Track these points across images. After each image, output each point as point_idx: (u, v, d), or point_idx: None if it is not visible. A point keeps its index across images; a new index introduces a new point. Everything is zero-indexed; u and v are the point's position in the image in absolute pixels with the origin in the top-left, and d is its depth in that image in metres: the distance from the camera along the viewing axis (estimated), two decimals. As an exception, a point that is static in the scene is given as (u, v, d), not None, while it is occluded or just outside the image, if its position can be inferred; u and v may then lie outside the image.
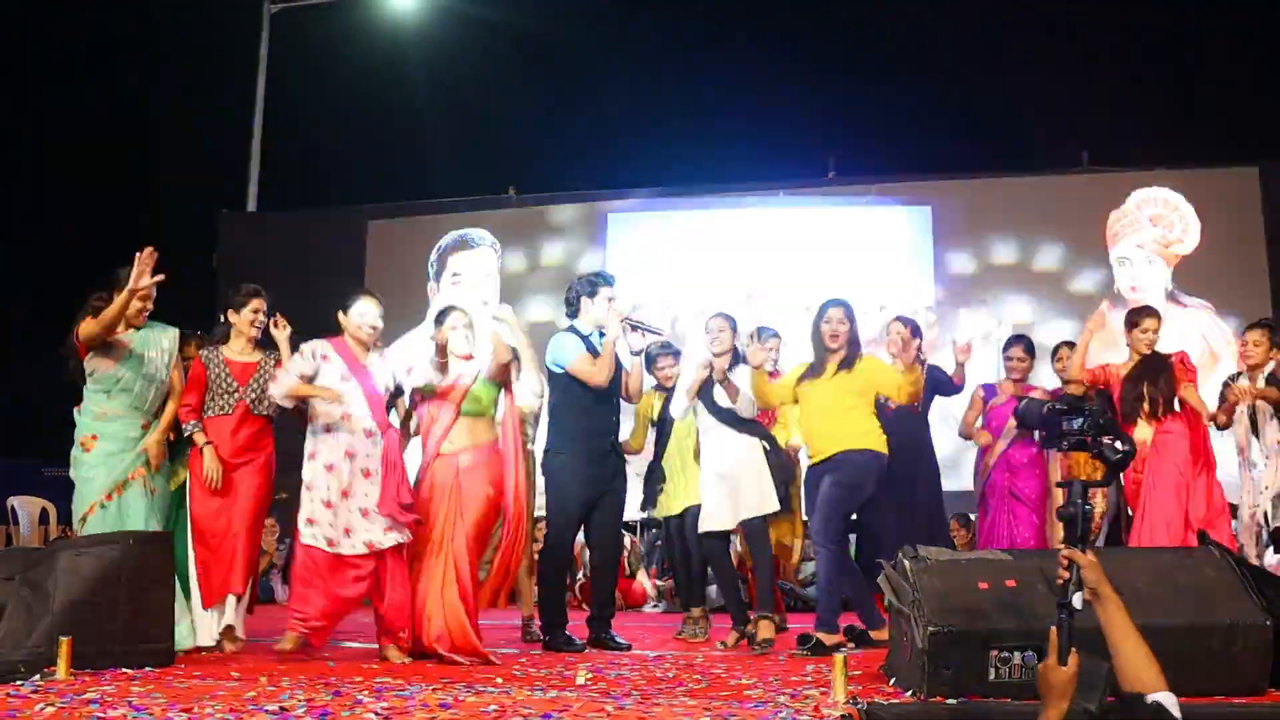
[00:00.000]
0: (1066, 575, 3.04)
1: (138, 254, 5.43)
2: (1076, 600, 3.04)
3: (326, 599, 5.43)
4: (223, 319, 6.04)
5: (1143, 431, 6.67)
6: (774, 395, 6.16)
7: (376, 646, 5.56)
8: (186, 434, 5.75)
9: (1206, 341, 11.49)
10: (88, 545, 4.86)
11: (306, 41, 16.22)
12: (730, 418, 6.21)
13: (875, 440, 5.87)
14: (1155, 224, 12.04)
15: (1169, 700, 2.84)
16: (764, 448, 6.22)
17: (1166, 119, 13.12)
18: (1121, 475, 7.00)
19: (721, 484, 6.16)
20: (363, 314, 5.77)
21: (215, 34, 16.57)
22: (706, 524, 6.20)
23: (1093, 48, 14.07)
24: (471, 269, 13.55)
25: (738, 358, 6.36)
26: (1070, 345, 7.66)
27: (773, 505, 6.12)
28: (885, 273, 12.37)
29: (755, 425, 6.26)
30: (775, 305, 12.16)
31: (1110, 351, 11.30)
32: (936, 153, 13.73)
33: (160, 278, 5.53)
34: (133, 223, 16.37)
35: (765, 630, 5.90)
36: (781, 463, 6.32)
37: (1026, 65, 13.95)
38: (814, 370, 6.02)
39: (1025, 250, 12.29)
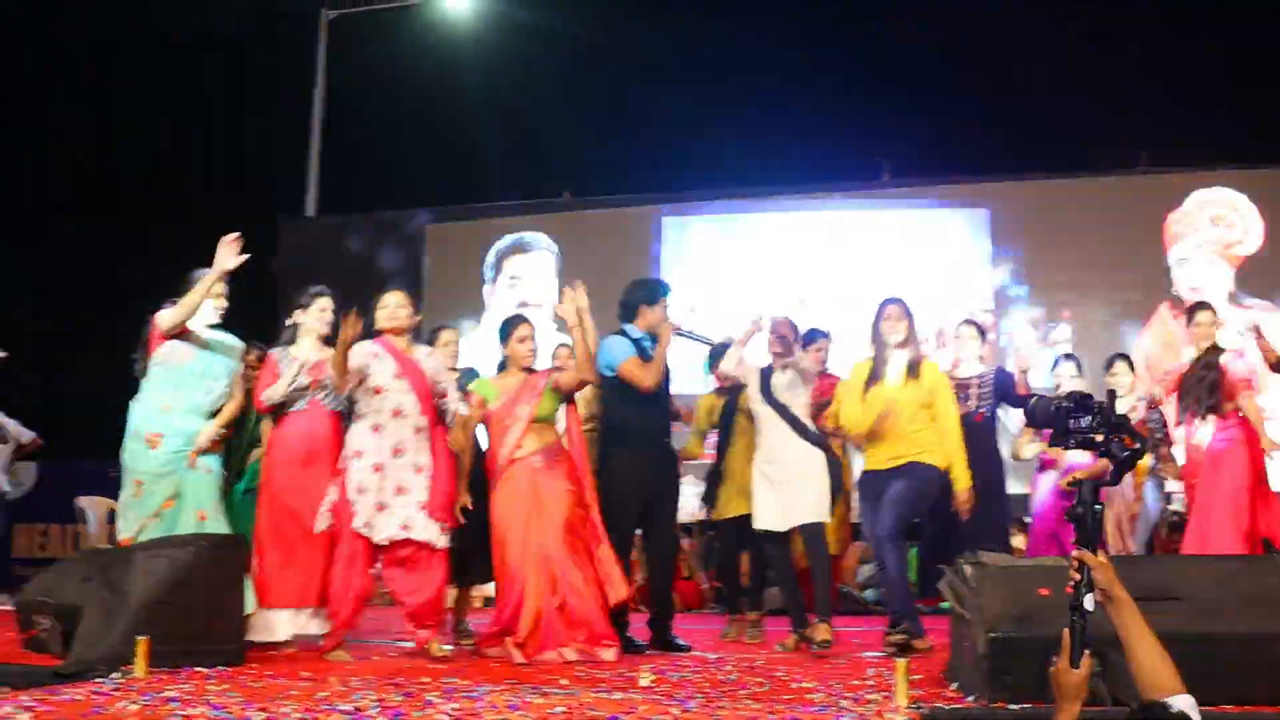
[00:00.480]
0: (1078, 577, 3.01)
1: (223, 238, 5.56)
2: (1088, 602, 3.02)
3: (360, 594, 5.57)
4: (289, 322, 6.08)
5: (1202, 433, 6.64)
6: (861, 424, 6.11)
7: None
8: (269, 401, 5.76)
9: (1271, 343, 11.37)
10: (163, 547, 5.00)
11: (363, 48, 16.45)
12: (789, 416, 6.19)
13: (940, 456, 5.90)
14: (1216, 224, 11.94)
15: (1188, 704, 2.80)
16: (823, 458, 6.21)
17: (1226, 118, 13.02)
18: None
19: (774, 485, 6.16)
20: (384, 304, 5.81)
21: (273, 42, 16.83)
22: (760, 523, 6.21)
23: (1151, 48, 13.96)
24: (528, 272, 13.69)
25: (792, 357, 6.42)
26: (1123, 358, 7.69)
27: (826, 515, 6.13)
28: (941, 276, 12.34)
29: (814, 433, 6.25)
30: (829, 311, 12.21)
31: (1169, 353, 11.38)
32: (992, 155, 13.70)
33: (245, 257, 5.64)
34: (192, 229, 16.61)
35: (823, 632, 5.92)
36: (835, 473, 6.30)
37: (1084, 66, 13.89)
38: (876, 374, 6.02)
39: (1083, 252, 12.20)
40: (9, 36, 15.91)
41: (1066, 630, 2.95)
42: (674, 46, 16.00)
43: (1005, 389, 7.10)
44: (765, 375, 6.28)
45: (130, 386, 5.86)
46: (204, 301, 5.66)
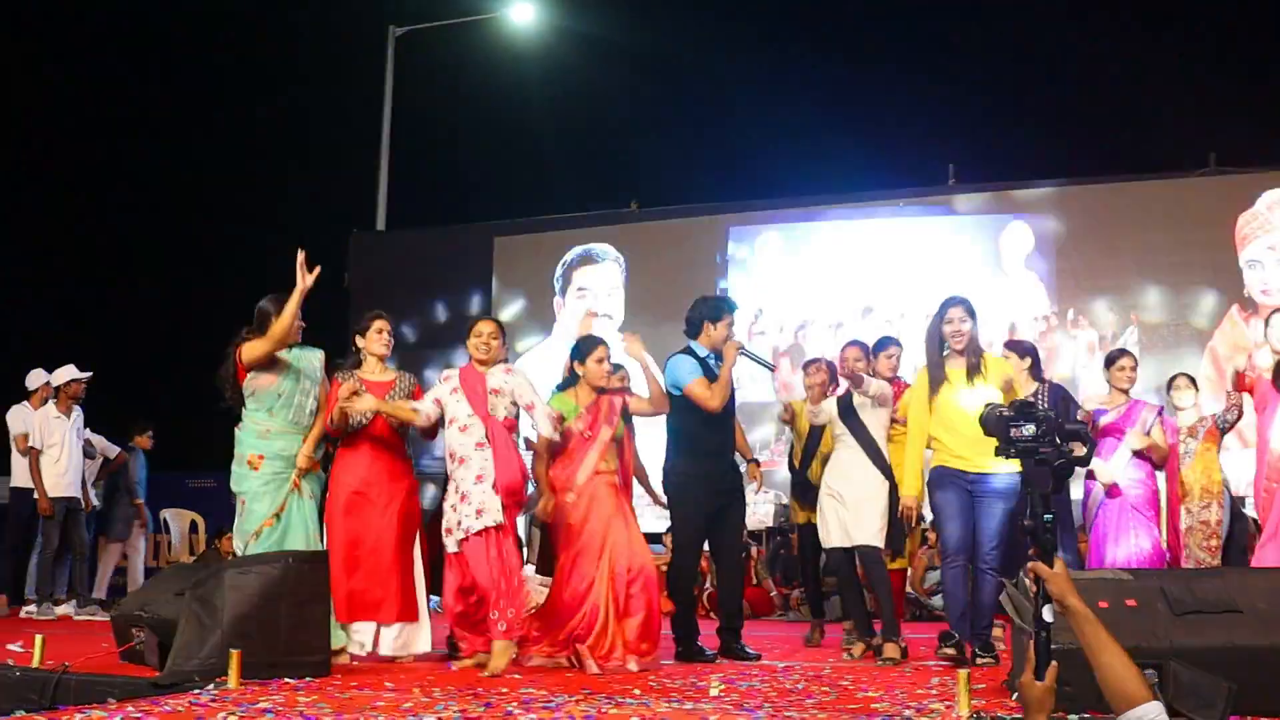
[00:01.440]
0: (1034, 589, 3.08)
1: (298, 256, 5.84)
2: (1047, 613, 3.10)
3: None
4: (353, 348, 6.32)
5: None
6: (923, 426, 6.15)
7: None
8: (334, 424, 5.97)
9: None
10: (252, 564, 5.23)
11: (431, 63, 16.75)
12: (868, 442, 6.34)
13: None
14: (1288, 226, 11.84)
15: (1156, 710, 2.84)
16: (890, 488, 6.31)
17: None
18: (1252, 491, 6.99)
19: (840, 502, 6.32)
20: (478, 333, 5.98)
21: (342, 58, 17.18)
22: (827, 541, 6.42)
23: (1219, 48, 13.86)
24: (596, 283, 13.89)
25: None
26: (1188, 376, 7.76)
27: (881, 541, 6.25)
28: (1005, 279, 12.37)
29: (885, 460, 6.36)
30: (894, 318, 12.28)
31: (1240, 356, 11.29)
32: (1059, 157, 13.69)
33: (318, 270, 5.90)
34: (264, 245, 17.00)
35: (891, 651, 6.05)
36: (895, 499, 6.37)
37: (1151, 68, 13.81)
38: (937, 379, 6.00)
39: (1152, 254, 12.15)
40: (95, 67, 16.39)
41: (1030, 642, 3.03)
42: (738, 57, 16.14)
43: (1065, 404, 7.15)
44: (845, 397, 6.45)
45: (207, 403, 6.15)
46: (293, 321, 5.90)
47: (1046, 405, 7.06)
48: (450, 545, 5.70)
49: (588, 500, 5.89)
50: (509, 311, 14.07)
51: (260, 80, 17.63)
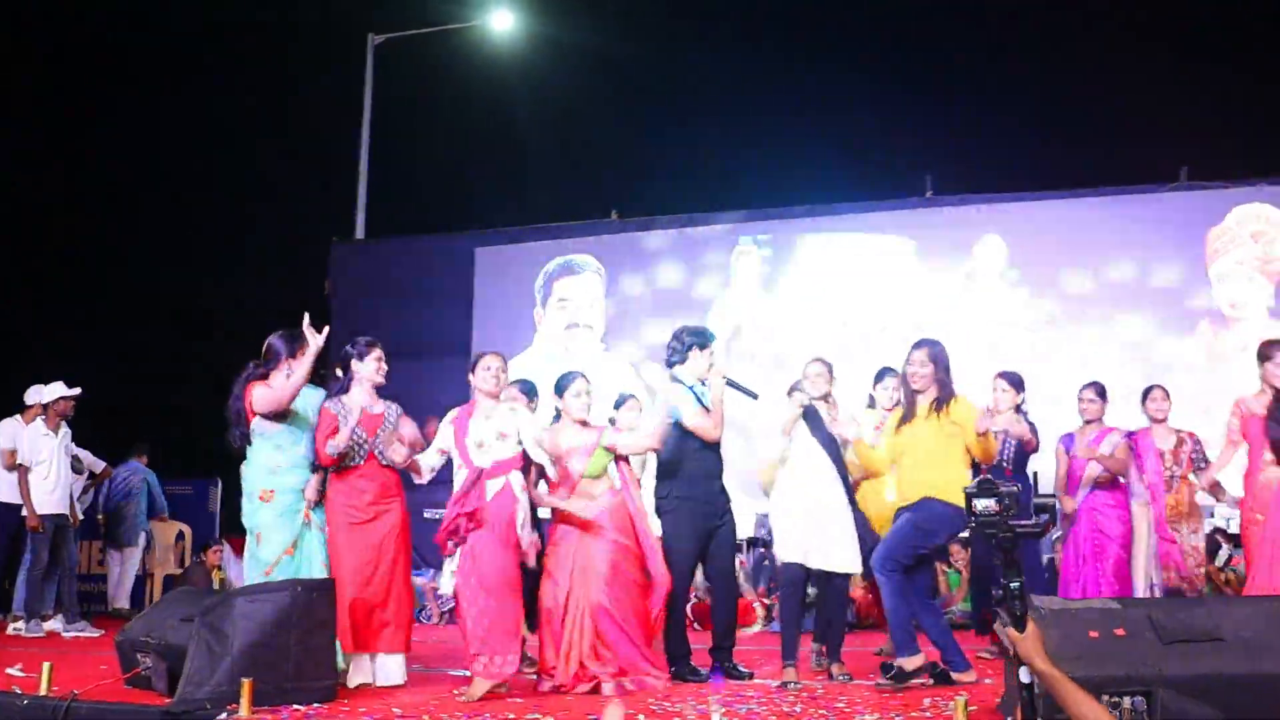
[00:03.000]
0: (1010, 652, 3.35)
1: (304, 320, 6.05)
2: (1023, 674, 3.32)
3: None
4: (340, 372, 6.35)
5: (1271, 471, 6.75)
6: (879, 462, 6.37)
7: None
8: (334, 452, 6.01)
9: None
10: (261, 592, 5.33)
11: (410, 71, 16.78)
12: (831, 446, 6.44)
13: (960, 494, 6.03)
14: (1256, 240, 12.02)
15: None
16: (853, 512, 6.43)
17: (1266, 133, 13.10)
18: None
19: (799, 519, 6.35)
20: (487, 366, 6.13)
21: (321, 67, 17.19)
22: (787, 555, 6.39)
23: (1193, 64, 14.08)
24: (577, 294, 13.97)
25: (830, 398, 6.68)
26: (1162, 388, 7.91)
27: (854, 568, 6.36)
28: (977, 293, 12.51)
29: (847, 476, 6.48)
30: (869, 331, 12.43)
31: (1218, 369, 11.50)
32: (1034, 170, 13.86)
33: (326, 330, 6.10)
34: (243, 253, 17.04)
35: (837, 670, 6.29)
36: (864, 521, 6.55)
37: (1126, 83, 14.01)
38: (906, 416, 6.17)
39: (1124, 268, 12.31)
40: (68, 78, 16.34)
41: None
42: (720, 69, 16.25)
43: (1022, 439, 7.40)
44: (809, 408, 6.53)
45: (182, 406, 6.26)
46: (306, 380, 6.05)
47: (1011, 448, 7.34)
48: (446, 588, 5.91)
49: (554, 544, 6.13)
50: (490, 321, 14.14)
51: (238, 89, 17.63)
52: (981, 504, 3.65)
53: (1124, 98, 13.97)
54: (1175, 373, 11.60)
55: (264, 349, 6.19)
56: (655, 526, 6.62)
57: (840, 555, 6.30)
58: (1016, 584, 3.47)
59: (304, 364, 6.01)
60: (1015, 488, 3.72)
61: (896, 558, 5.95)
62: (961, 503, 5.90)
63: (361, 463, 6.11)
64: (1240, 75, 13.40)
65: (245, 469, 6.16)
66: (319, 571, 5.94)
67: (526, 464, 6.07)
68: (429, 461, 6.10)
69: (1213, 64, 13.91)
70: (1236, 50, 13.80)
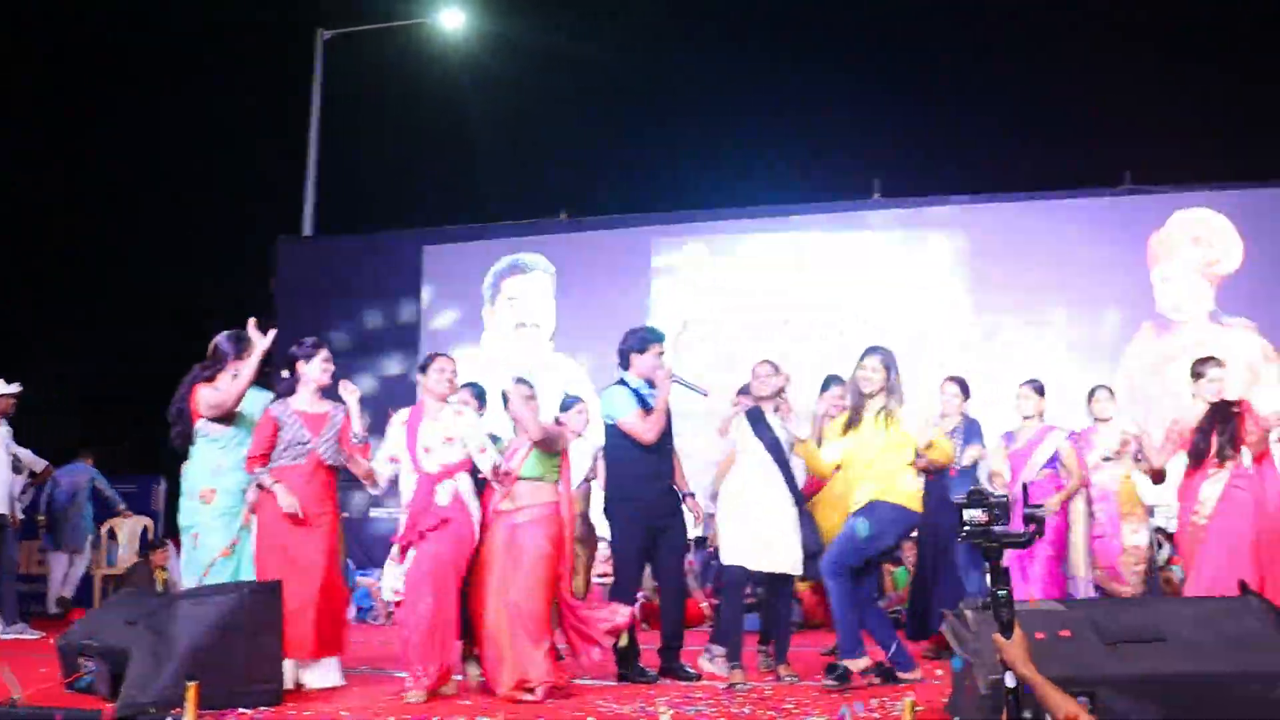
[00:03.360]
0: (997, 659, 3.47)
1: (249, 322, 5.98)
2: (1008, 679, 3.39)
3: None
4: (286, 373, 6.27)
5: (1211, 487, 6.86)
6: (824, 466, 6.40)
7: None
8: (255, 482, 5.97)
9: (1248, 360, 11.69)
10: (207, 594, 5.29)
11: (360, 67, 16.66)
12: (775, 449, 6.43)
13: (909, 497, 6.08)
14: (1197, 244, 12.19)
15: None
16: (798, 514, 6.42)
17: (1207, 139, 13.30)
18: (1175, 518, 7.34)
19: (743, 521, 6.36)
20: (440, 368, 6.09)
21: (269, 62, 17.04)
22: (730, 557, 6.37)
23: (1137, 70, 14.27)
24: (525, 293, 13.93)
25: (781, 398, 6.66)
26: (1107, 388, 7.99)
27: (797, 569, 6.37)
28: (923, 295, 12.60)
29: (794, 479, 6.46)
30: (811, 331, 12.51)
31: (1153, 373, 11.69)
32: (981, 172, 14.00)
33: (273, 332, 6.02)
34: (190, 248, 16.85)
35: (785, 671, 6.32)
36: (814, 525, 6.55)
37: (1071, 87, 14.19)
38: (853, 420, 6.21)
39: (1068, 270, 12.42)
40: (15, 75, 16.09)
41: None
42: (668, 67, 16.28)
43: (971, 436, 7.51)
44: (755, 410, 6.54)
45: (124, 403, 6.19)
46: (252, 380, 6.00)
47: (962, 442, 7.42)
48: (387, 593, 5.91)
49: (486, 544, 6.01)
50: (438, 320, 14.09)
51: (186, 82, 17.43)
52: (970, 514, 3.71)
53: (1069, 102, 14.17)
54: (1118, 374, 11.79)
55: (210, 350, 6.15)
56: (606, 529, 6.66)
57: (784, 557, 6.31)
58: (1004, 592, 3.56)
59: (250, 365, 5.98)
60: (1004, 498, 3.79)
61: (846, 562, 5.99)
62: (909, 505, 6.06)
63: (303, 463, 6.02)
64: (1182, 82, 13.61)
65: (187, 468, 6.10)
66: (253, 575, 5.86)
67: (474, 467, 6.03)
68: (382, 470, 6.04)
69: (1156, 70, 14.11)
70: (1179, 57, 14.01)
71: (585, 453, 7.16)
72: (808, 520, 6.50)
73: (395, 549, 5.93)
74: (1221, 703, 4.27)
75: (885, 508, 5.99)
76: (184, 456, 6.14)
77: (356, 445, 6.13)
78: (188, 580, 5.93)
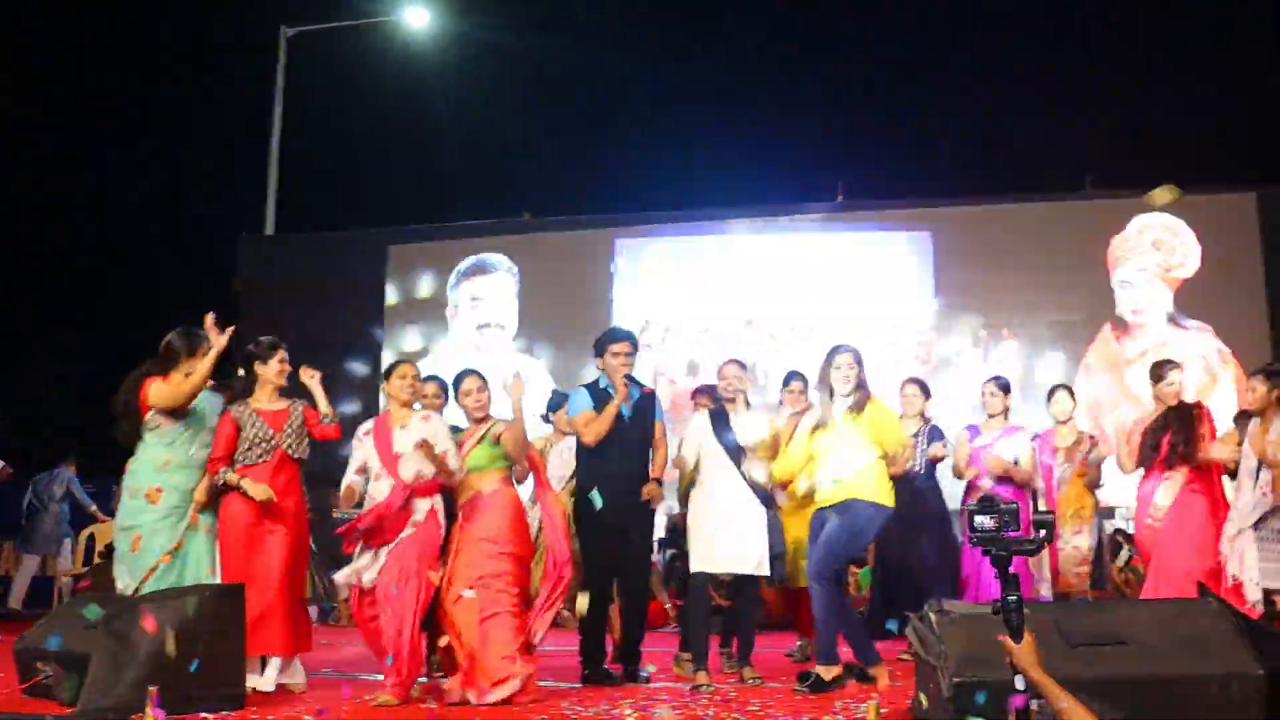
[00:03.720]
0: (1008, 664, 3.54)
1: (206, 318, 5.85)
2: (1018, 682, 3.44)
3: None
4: (243, 372, 6.25)
5: (1168, 489, 6.95)
6: (793, 464, 6.37)
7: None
8: (219, 481, 5.90)
9: (1206, 363, 11.84)
10: (167, 598, 5.22)
11: (324, 65, 16.57)
12: (738, 456, 6.42)
13: (884, 494, 6.10)
14: (1157, 249, 12.35)
15: None
16: (767, 516, 6.40)
17: (1168, 146, 13.44)
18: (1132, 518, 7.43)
19: (707, 524, 6.37)
20: (403, 374, 6.06)
21: (234, 59, 16.91)
22: (701, 564, 6.34)
23: (1099, 77, 14.42)
24: (489, 293, 13.91)
25: (747, 401, 6.65)
26: (1066, 389, 8.05)
27: (765, 571, 6.35)
28: (887, 298, 12.67)
29: (764, 493, 6.44)
30: (774, 331, 12.55)
31: (1113, 374, 11.82)
32: (943, 177, 14.08)
33: (231, 329, 5.94)
34: (152, 245, 16.70)
35: (748, 673, 6.30)
36: (779, 527, 6.50)
37: (1035, 93, 14.30)
38: (825, 418, 6.20)
39: (1030, 273, 12.54)
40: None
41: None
42: (634, 69, 16.28)
43: (934, 438, 7.55)
44: (718, 412, 6.55)
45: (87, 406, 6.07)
46: (207, 378, 5.92)
47: (923, 460, 7.46)
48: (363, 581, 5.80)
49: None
50: (401, 319, 14.04)
51: (148, 78, 17.27)
52: (980, 520, 3.74)
53: (1033, 107, 14.27)
54: (1079, 376, 11.92)
55: (161, 347, 6.03)
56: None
57: (748, 559, 6.30)
58: (1014, 598, 3.60)
59: (206, 363, 5.88)
60: (1014, 505, 3.82)
61: (832, 565, 6.02)
62: (885, 501, 6.08)
63: (268, 459, 6.00)
64: (1145, 90, 13.74)
65: (132, 465, 5.95)
66: (203, 577, 5.76)
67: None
68: (357, 486, 5.95)
69: (1119, 78, 14.25)
70: (1143, 66, 14.16)
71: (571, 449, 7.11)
72: (774, 521, 6.50)
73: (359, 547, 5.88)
74: (1180, 704, 4.32)
75: (862, 505, 6.01)
76: (129, 453, 6.02)
77: (327, 427, 6.11)
78: (125, 585, 5.78)
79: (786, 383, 7.42)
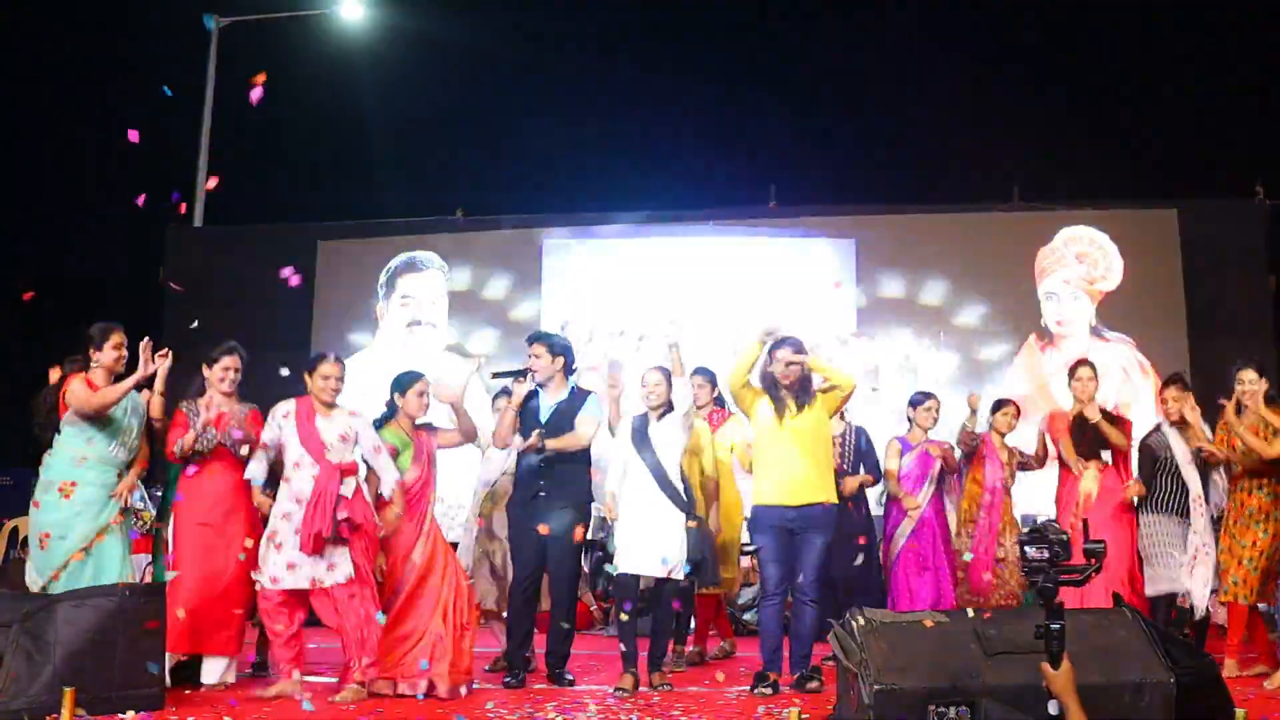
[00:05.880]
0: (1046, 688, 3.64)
1: (143, 345, 5.88)
2: (1052, 707, 3.52)
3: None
4: (199, 376, 6.31)
5: (1084, 487, 7.18)
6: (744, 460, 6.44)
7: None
8: (181, 451, 5.99)
9: (1127, 375, 12.07)
10: (86, 597, 5.15)
11: (255, 57, 16.33)
12: (660, 476, 6.40)
13: (834, 492, 6.23)
14: (1081, 261, 12.56)
15: None
16: (687, 524, 6.39)
17: (1094, 161, 13.69)
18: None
19: (630, 527, 6.40)
20: (325, 374, 6.05)
21: (162, 48, 16.64)
22: (619, 563, 6.43)
23: (1029, 89, 14.65)
24: (419, 291, 13.81)
25: (670, 408, 6.64)
26: (1015, 404, 8.15)
27: (678, 574, 6.33)
28: (812, 304, 12.71)
29: (677, 492, 6.42)
30: (697, 330, 12.57)
31: (1035, 385, 12.01)
32: (874, 186, 14.20)
33: (166, 359, 5.96)
34: (78, 239, 16.41)
35: (658, 679, 6.24)
36: (705, 533, 6.52)
37: (965, 103, 14.48)
38: (775, 411, 6.16)
39: (957, 283, 12.70)
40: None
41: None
42: (567, 68, 16.26)
43: (862, 452, 7.55)
44: (640, 420, 6.57)
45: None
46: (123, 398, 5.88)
47: (852, 449, 7.50)
48: (263, 580, 5.79)
49: (430, 540, 6.14)
50: (331, 316, 13.90)
51: (75, 66, 16.96)
52: (1030, 551, 3.79)
53: (964, 118, 14.44)
54: (1003, 386, 12.08)
55: (87, 339, 5.99)
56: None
57: (664, 562, 6.30)
58: (1057, 625, 3.70)
59: (124, 386, 5.86)
60: (1065, 536, 3.86)
61: (823, 581, 6.06)
62: (835, 500, 6.14)
63: (209, 458, 6.08)
64: (1073, 105, 14.00)
65: (48, 458, 5.88)
66: (117, 576, 5.68)
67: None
68: (260, 469, 5.98)
69: (1048, 93, 14.50)
70: (1068, 80, 14.41)
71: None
72: (700, 529, 6.48)
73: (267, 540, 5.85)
74: (1094, 711, 4.40)
75: (831, 510, 6.09)
76: (46, 446, 5.94)
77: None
78: (34, 583, 5.70)
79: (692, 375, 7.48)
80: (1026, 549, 3.84)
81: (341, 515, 5.70)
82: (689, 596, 7.12)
